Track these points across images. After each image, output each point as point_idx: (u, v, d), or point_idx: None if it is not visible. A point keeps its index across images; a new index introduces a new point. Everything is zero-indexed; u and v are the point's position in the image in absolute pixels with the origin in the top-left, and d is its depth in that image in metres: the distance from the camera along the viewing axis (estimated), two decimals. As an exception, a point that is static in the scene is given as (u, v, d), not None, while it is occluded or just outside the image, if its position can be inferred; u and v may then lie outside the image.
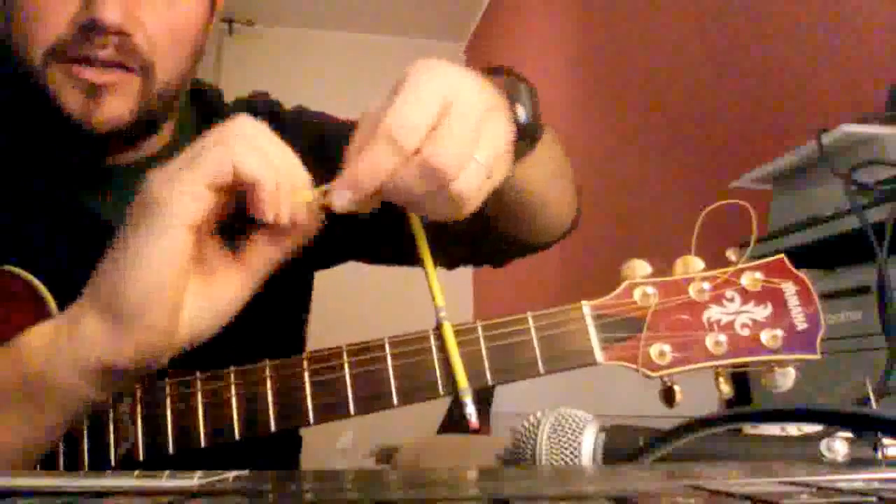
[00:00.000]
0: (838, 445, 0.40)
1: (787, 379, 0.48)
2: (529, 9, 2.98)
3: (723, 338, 0.49)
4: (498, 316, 0.51)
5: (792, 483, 0.25)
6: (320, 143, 0.79)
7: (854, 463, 0.38)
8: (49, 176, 0.67)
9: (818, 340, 0.48)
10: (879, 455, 0.39)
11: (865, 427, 0.39)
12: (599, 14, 2.29)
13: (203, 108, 0.77)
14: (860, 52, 1.16)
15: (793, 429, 0.46)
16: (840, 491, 0.23)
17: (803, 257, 0.86)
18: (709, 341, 0.49)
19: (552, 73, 2.69)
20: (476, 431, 0.48)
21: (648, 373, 0.48)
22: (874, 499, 0.21)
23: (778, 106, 1.38)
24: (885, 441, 0.39)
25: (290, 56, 3.82)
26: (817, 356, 0.48)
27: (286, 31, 3.86)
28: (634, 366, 0.49)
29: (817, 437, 0.41)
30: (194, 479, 0.29)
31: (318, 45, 3.90)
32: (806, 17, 1.30)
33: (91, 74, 0.59)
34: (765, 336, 0.48)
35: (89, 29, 0.57)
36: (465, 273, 3.64)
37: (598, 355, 0.49)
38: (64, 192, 0.67)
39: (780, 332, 0.48)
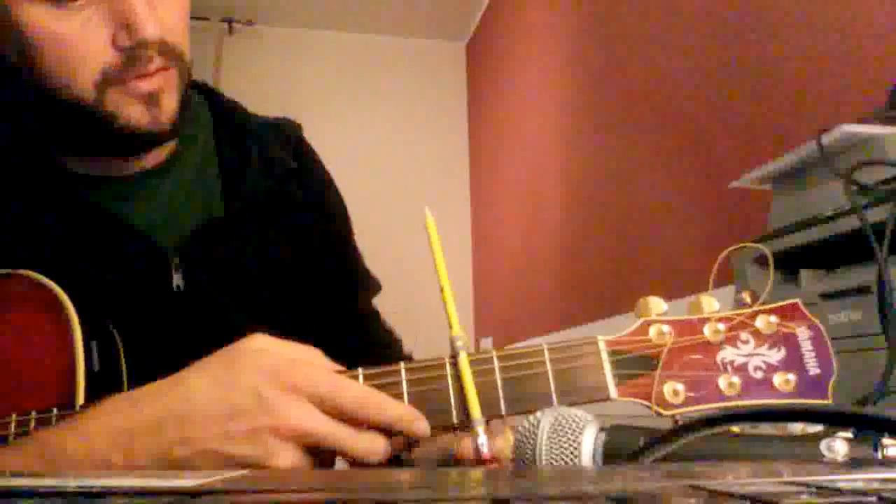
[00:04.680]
0: (838, 445, 0.40)
1: (796, 424, 0.48)
2: (529, 9, 2.98)
3: (736, 379, 0.49)
4: (512, 348, 0.52)
5: (792, 483, 0.25)
6: (325, 226, 0.80)
7: (854, 463, 0.38)
8: (65, 182, 0.68)
9: (830, 386, 0.48)
10: (879, 455, 0.39)
11: (865, 427, 0.39)
12: (599, 14, 2.29)
13: (220, 114, 0.78)
14: (860, 52, 1.16)
15: (793, 429, 0.46)
16: (840, 491, 0.23)
17: (803, 257, 0.87)
18: (722, 382, 0.49)
19: (552, 72, 2.69)
20: (484, 462, 0.49)
21: (661, 411, 0.49)
22: (874, 499, 0.21)
23: (778, 106, 1.38)
24: (885, 441, 0.39)
25: (290, 56, 3.82)
26: (829, 402, 0.48)
27: (286, 31, 3.86)
28: (648, 403, 0.49)
29: (817, 437, 0.41)
30: (194, 479, 0.29)
31: (318, 45, 3.90)
32: (806, 16, 1.30)
33: (146, 85, 0.61)
34: (777, 379, 0.49)
35: (139, 49, 0.59)
36: (465, 286, 3.64)
37: (612, 391, 0.50)
38: (81, 197, 0.68)
39: (792, 377, 0.49)
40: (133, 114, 0.61)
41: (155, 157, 0.72)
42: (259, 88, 3.53)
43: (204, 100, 0.79)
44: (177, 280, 0.67)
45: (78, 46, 0.58)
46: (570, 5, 2.53)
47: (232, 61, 3.62)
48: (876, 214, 0.70)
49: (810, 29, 1.29)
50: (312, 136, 0.84)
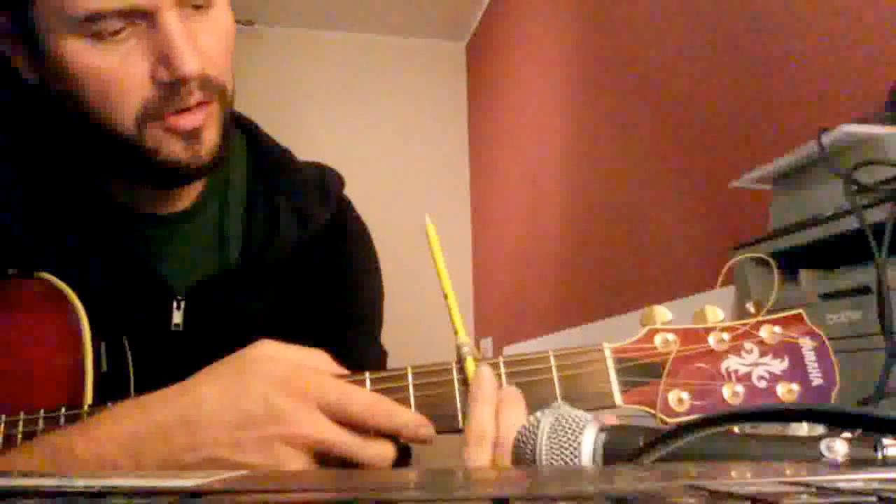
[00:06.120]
0: (838, 445, 0.40)
1: (799, 431, 0.49)
2: (529, 9, 2.98)
3: (740, 388, 0.49)
4: (518, 355, 0.52)
5: (792, 483, 0.25)
6: (342, 290, 0.77)
7: (854, 463, 0.38)
8: (98, 205, 0.69)
9: (832, 396, 0.49)
10: (879, 455, 0.39)
11: (866, 427, 0.39)
12: (599, 14, 2.29)
13: (260, 156, 0.77)
14: (860, 52, 1.16)
15: (794, 429, 0.46)
16: (840, 491, 0.23)
17: (803, 257, 0.87)
18: (726, 391, 0.50)
19: (552, 72, 2.69)
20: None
21: (665, 418, 0.49)
22: (874, 499, 0.21)
23: (778, 106, 1.38)
24: (885, 441, 0.39)
25: (290, 56, 3.82)
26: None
27: (286, 31, 3.86)
28: (653, 411, 0.50)
29: (817, 437, 0.41)
30: (194, 479, 0.29)
31: (318, 45, 3.90)
32: (806, 16, 1.30)
33: (187, 122, 0.60)
34: (781, 389, 0.49)
35: (179, 84, 0.58)
36: (465, 287, 3.64)
37: (618, 398, 0.51)
38: (109, 222, 0.68)
39: (795, 387, 0.49)
40: (174, 149, 0.61)
41: (186, 197, 0.71)
42: (259, 88, 3.53)
43: (245, 139, 0.78)
44: (176, 318, 0.67)
45: (117, 81, 0.58)
46: (570, 5, 2.53)
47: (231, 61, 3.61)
48: (876, 214, 0.70)
49: (810, 29, 1.29)
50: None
